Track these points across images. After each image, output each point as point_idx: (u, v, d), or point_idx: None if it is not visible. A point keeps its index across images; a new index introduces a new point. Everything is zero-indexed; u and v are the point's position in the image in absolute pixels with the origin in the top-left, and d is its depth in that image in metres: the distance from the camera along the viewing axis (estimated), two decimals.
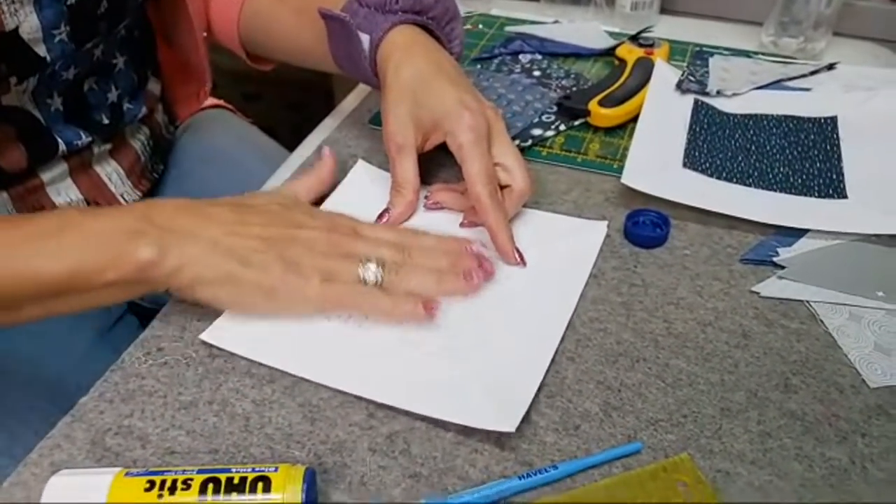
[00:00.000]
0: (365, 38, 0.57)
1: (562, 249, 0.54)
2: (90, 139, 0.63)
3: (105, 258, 0.44)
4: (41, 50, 0.55)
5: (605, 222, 0.56)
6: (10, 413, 0.57)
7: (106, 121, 0.65)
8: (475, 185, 0.52)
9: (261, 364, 0.46)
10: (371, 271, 0.48)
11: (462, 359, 0.46)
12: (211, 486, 0.38)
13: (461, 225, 0.56)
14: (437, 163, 0.61)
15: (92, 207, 0.48)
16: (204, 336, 0.48)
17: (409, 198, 0.55)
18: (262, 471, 0.38)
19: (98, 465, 0.41)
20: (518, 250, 0.53)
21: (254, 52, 0.72)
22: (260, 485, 0.38)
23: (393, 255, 0.49)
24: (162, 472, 0.38)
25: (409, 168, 0.55)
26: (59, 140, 0.60)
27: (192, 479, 0.38)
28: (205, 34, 0.71)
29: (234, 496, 0.37)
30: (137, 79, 0.68)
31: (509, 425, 0.41)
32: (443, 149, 0.55)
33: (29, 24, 0.53)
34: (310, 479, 0.38)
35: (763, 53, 0.77)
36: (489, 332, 0.48)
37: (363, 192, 0.59)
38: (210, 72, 0.75)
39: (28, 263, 0.43)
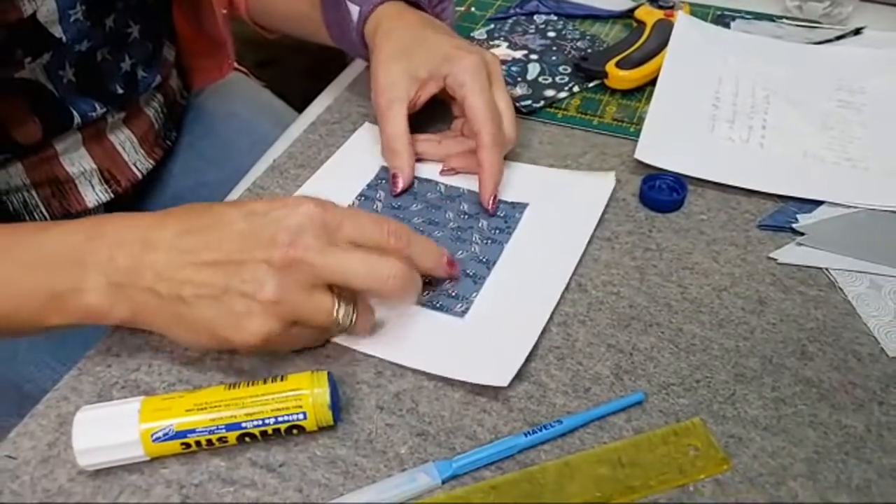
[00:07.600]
0: (354, 10, 0.57)
1: (568, 202, 0.53)
2: (105, 110, 0.62)
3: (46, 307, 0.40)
4: (57, 31, 0.54)
5: (613, 173, 0.55)
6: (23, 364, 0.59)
7: (120, 90, 0.64)
8: (479, 120, 0.51)
9: None
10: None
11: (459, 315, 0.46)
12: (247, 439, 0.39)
13: (442, 172, 0.55)
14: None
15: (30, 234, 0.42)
16: None
17: (405, 153, 0.54)
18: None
19: None
20: (495, 197, 0.52)
21: (258, 20, 0.72)
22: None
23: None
24: (189, 433, 0.38)
25: (400, 122, 0.54)
26: (74, 112, 0.60)
27: (225, 438, 0.38)
28: (224, 11, 0.71)
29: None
30: (153, 47, 0.67)
31: (502, 380, 0.41)
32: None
33: (46, 7, 0.52)
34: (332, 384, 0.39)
35: (787, 18, 0.75)
36: (488, 287, 0.47)
37: (364, 153, 0.58)
38: (233, 46, 0.75)
39: None
